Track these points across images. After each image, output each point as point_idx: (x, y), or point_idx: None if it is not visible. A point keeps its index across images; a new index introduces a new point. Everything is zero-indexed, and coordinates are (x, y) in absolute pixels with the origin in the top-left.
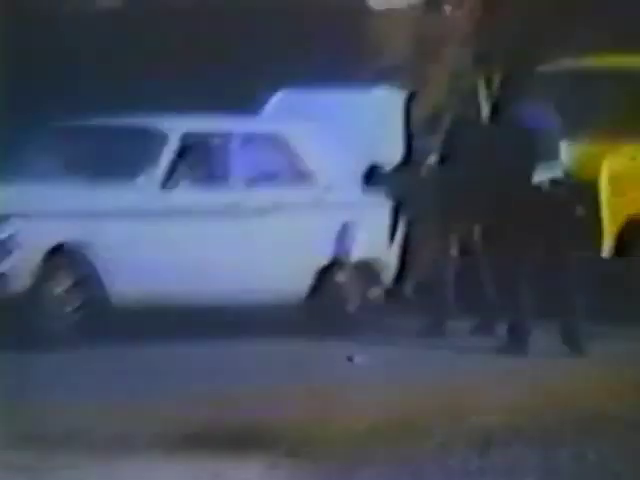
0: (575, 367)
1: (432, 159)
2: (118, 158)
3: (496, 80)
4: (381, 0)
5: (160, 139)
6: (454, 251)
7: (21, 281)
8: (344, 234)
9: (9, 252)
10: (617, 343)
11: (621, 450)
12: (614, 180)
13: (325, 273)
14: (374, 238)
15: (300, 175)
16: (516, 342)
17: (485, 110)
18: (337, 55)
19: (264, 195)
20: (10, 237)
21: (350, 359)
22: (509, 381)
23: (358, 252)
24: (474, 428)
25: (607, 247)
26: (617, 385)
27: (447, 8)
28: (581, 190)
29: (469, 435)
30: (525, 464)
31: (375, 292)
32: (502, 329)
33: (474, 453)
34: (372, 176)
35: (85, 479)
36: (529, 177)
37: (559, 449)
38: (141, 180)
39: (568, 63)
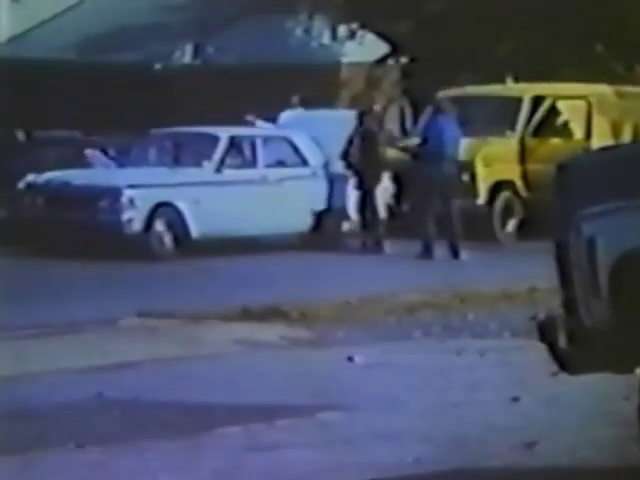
0: None
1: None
2: (190, 152)
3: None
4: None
5: (215, 140)
6: None
7: (137, 224)
8: (332, 193)
9: (130, 207)
10: None
11: None
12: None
13: (320, 217)
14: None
15: (300, 160)
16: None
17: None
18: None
19: (279, 172)
20: (130, 199)
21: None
22: None
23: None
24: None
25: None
26: None
27: None
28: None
29: None
30: None
31: (345, 226)
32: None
33: None
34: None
35: None
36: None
37: None
38: (204, 165)
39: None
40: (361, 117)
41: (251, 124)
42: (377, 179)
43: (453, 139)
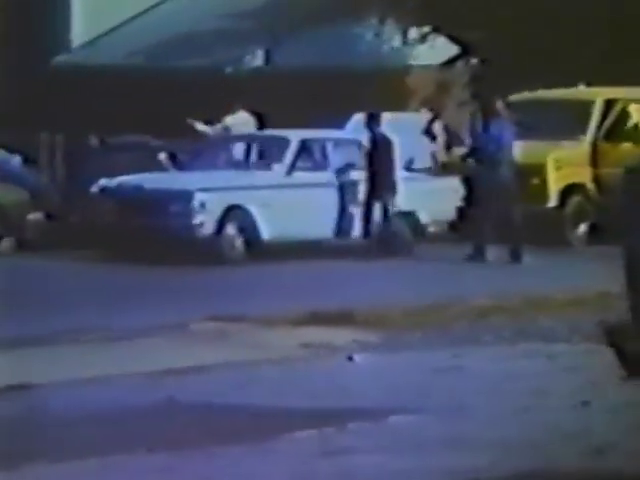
0: None
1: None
2: (261, 155)
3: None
4: None
5: (286, 143)
6: None
7: (208, 228)
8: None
9: (201, 211)
10: None
11: None
12: (557, 161)
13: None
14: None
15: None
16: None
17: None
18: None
19: (347, 175)
20: (201, 202)
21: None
22: None
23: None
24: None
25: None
26: None
27: None
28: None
29: None
30: None
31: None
32: None
33: None
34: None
35: None
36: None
37: None
38: (275, 168)
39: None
40: (432, 121)
41: (192, 127)
42: (447, 183)
43: (508, 143)
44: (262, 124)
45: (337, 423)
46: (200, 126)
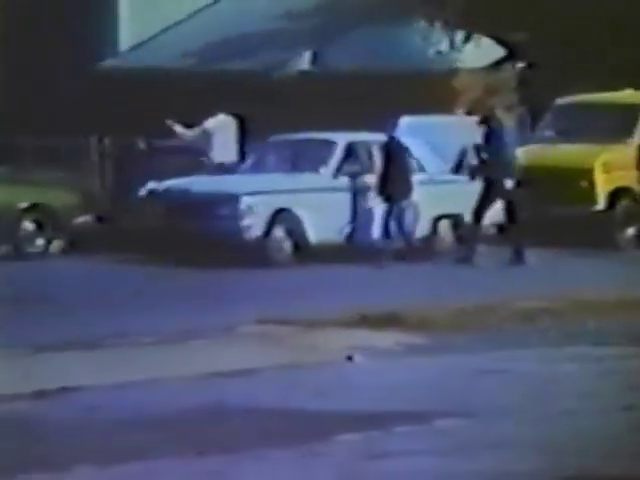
0: None
1: None
2: (307, 158)
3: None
4: None
5: (332, 146)
6: None
7: (256, 231)
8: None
9: (249, 214)
10: None
11: None
12: (605, 165)
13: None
14: None
15: (417, 167)
16: None
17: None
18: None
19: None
20: (249, 206)
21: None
22: None
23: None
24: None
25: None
26: None
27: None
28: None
29: None
30: None
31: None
32: None
33: None
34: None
35: None
36: None
37: None
38: (322, 171)
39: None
40: (480, 124)
41: (171, 129)
42: (502, 185)
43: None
44: (244, 127)
45: (383, 426)
46: (179, 128)
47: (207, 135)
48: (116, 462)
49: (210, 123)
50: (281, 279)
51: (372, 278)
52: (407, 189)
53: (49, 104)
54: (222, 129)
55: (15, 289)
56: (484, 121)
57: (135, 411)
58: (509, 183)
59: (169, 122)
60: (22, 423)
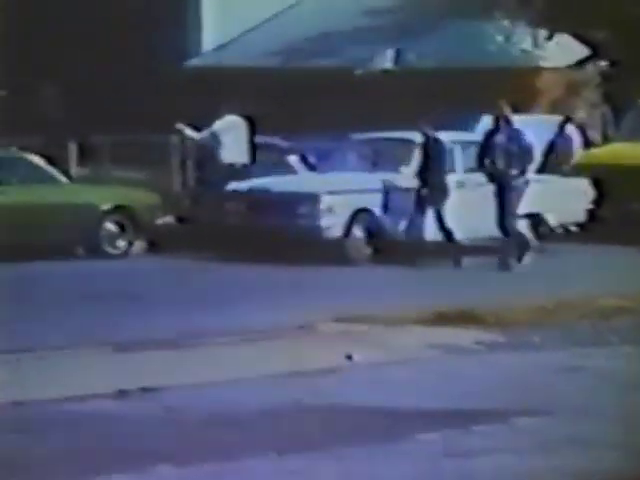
0: None
1: None
2: (388, 157)
3: None
4: None
5: (414, 145)
6: None
7: (337, 230)
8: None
9: (329, 213)
10: None
11: None
12: None
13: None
14: None
15: None
16: None
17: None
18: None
19: (477, 177)
20: (329, 206)
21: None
22: None
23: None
24: None
25: None
26: None
27: None
28: None
29: None
30: None
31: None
32: None
33: None
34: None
35: None
36: None
37: None
38: (403, 170)
39: None
40: (563, 123)
41: (180, 132)
42: (576, 184)
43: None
44: (254, 127)
45: (461, 424)
46: (188, 131)
47: (216, 136)
48: (195, 462)
49: (218, 125)
50: (360, 277)
51: (450, 275)
52: (445, 189)
53: (133, 104)
54: (231, 130)
55: (96, 289)
56: (568, 120)
57: (215, 411)
58: None
59: (179, 126)
60: (103, 423)
